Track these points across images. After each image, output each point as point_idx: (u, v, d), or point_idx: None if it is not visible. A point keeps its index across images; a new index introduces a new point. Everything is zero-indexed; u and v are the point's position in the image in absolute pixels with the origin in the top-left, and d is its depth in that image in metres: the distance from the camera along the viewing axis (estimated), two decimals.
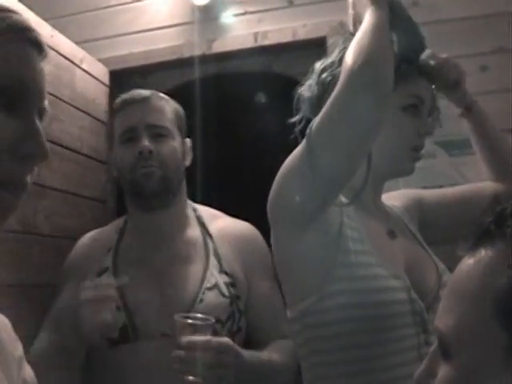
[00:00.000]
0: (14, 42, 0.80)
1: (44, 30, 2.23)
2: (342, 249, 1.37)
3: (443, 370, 0.72)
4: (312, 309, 1.38)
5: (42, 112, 0.84)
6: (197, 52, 2.71)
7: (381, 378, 1.34)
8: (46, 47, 0.85)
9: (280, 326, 1.86)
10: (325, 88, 1.48)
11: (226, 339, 1.70)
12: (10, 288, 2.01)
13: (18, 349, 0.89)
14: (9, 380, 0.79)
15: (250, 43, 2.68)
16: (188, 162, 2.11)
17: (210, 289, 1.89)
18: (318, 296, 1.36)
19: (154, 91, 2.08)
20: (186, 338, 1.60)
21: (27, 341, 2.02)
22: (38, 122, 0.81)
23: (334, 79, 1.39)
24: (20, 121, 0.79)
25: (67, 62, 2.41)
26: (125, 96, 2.07)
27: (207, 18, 2.74)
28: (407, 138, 1.52)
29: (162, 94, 2.10)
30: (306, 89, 1.57)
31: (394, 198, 1.72)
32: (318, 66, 1.56)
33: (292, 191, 1.35)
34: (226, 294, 1.90)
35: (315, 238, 1.36)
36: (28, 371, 0.91)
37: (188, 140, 2.13)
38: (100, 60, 2.75)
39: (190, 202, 2.14)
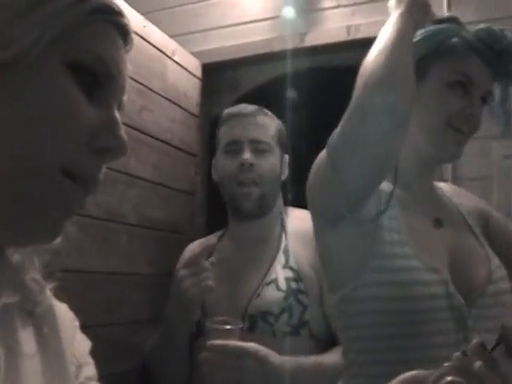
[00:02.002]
0: (102, 22, 0.73)
1: (136, 20, 2.25)
2: (378, 239, 1.34)
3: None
4: (347, 298, 1.38)
5: (120, 106, 0.77)
6: (289, 46, 2.67)
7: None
8: (132, 38, 0.78)
9: None
10: None
11: (248, 344, 1.80)
12: (96, 275, 2.03)
13: (82, 346, 0.87)
14: (51, 377, 0.77)
15: (342, 36, 2.62)
16: (284, 177, 2.24)
17: (268, 284, 2.00)
18: (353, 285, 1.36)
19: (259, 107, 2.22)
20: (209, 342, 1.77)
21: (112, 328, 2.06)
22: (118, 117, 0.74)
23: None
24: (100, 109, 0.71)
25: (159, 53, 2.42)
26: (232, 109, 2.24)
27: (299, 11, 2.71)
28: (450, 117, 1.42)
29: (266, 111, 2.22)
30: None
31: (466, 196, 1.64)
32: None
33: (320, 194, 1.36)
34: (283, 288, 1.97)
35: (351, 228, 1.34)
36: (89, 370, 0.88)
37: (286, 156, 2.26)
38: (192, 53, 2.75)
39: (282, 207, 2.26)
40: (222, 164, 2.19)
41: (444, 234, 1.44)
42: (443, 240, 1.43)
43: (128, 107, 2.32)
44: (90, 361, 0.90)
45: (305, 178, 1.39)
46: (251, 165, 2.09)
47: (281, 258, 2.05)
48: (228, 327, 1.78)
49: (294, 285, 1.97)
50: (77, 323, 0.90)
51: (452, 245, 1.43)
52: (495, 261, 1.44)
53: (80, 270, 1.95)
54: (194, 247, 2.32)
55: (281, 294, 1.94)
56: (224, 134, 2.21)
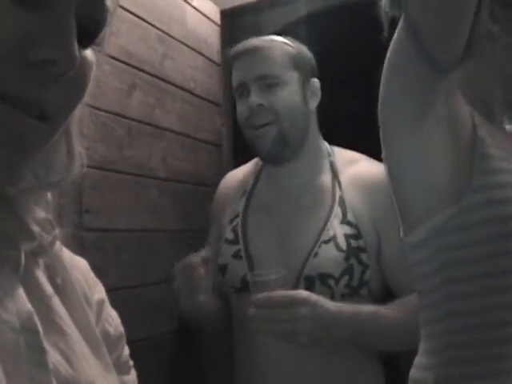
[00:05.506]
0: None
1: None
2: (479, 154, 1.15)
3: None
4: (448, 226, 1.15)
5: (95, 17, 0.59)
6: None
7: None
8: None
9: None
10: None
11: (297, 292, 1.67)
12: (127, 233, 1.96)
13: (96, 291, 0.77)
14: (75, 320, 0.68)
15: None
16: (313, 105, 2.00)
17: (326, 242, 1.82)
18: (455, 209, 1.14)
19: (267, 38, 1.99)
20: (255, 296, 1.64)
21: (145, 289, 1.99)
22: (72, 21, 0.54)
23: None
24: (43, 14, 0.53)
25: None
26: (237, 47, 1.99)
27: None
28: None
29: (276, 38, 1.99)
30: None
31: None
32: None
33: (401, 75, 1.15)
34: (343, 247, 1.81)
35: (443, 136, 1.15)
36: (113, 314, 0.79)
37: (314, 81, 2.01)
38: None
39: (326, 146, 2.04)
40: (238, 110, 2.00)
41: None
42: None
43: (150, 55, 2.21)
44: None
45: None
46: (260, 105, 1.90)
47: (337, 212, 1.87)
48: (273, 277, 1.67)
49: (354, 243, 1.82)
50: (102, 289, 0.80)
51: None
52: None
53: (112, 228, 1.88)
54: (226, 184, 2.20)
55: (341, 255, 1.79)
56: (233, 78, 2.01)
